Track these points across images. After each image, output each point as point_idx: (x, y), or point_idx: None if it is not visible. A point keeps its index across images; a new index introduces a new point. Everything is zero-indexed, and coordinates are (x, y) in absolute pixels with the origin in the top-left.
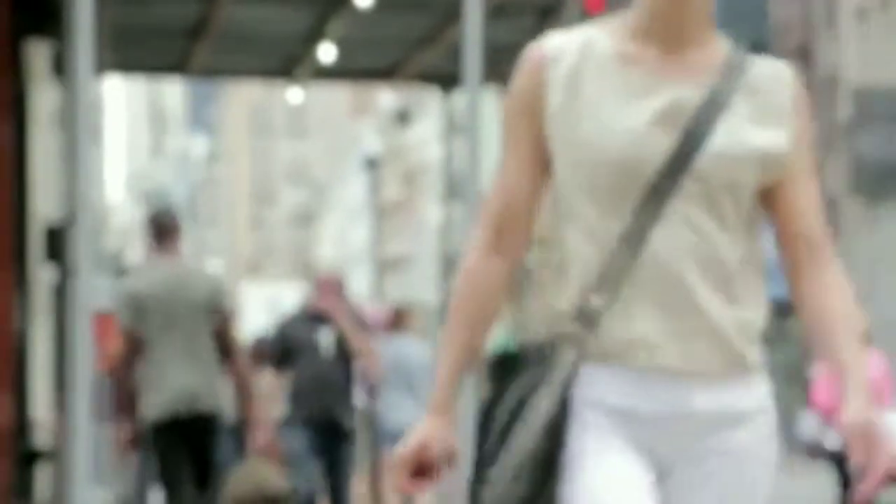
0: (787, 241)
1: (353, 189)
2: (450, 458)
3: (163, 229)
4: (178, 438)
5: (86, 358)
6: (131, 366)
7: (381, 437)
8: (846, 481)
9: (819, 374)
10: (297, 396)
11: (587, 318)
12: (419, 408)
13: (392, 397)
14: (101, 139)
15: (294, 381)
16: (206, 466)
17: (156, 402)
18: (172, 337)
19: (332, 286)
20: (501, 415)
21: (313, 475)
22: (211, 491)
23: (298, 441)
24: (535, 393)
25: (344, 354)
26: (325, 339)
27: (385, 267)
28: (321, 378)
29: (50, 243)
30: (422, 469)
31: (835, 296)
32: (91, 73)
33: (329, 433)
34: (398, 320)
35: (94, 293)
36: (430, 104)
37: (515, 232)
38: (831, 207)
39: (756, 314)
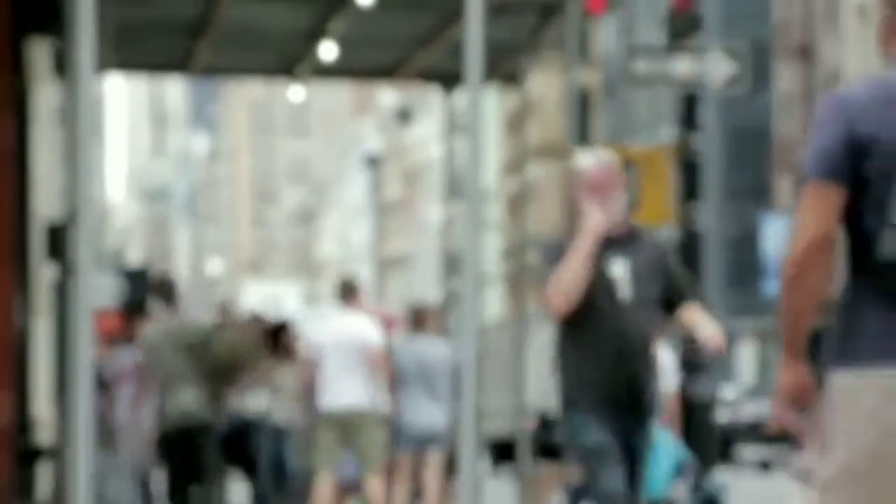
0: None
1: (354, 187)
2: None
3: (167, 294)
4: (174, 448)
5: (86, 356)
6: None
7: (401, 439)
8: None
9: None
10: (588, 363)
11: None
12: (439, 410)
13: (412, 399)
14: (103, 137)
15: (583, 340)
16: (200, 468)
17: (161, 421)
18: (175, 371)
19: (614, 178)
20: None
21: (621, 472)
22: (206, 490)
23: (597, 430)
24: None
25: (647, 295)
26: (620, 273)
27: (386, 265)
28: (623, 334)
29: (51, 241)
30: None
31: None
32: (92, 71)
33: (632, 412)
34: (418, 320)
35: (95, 291)
36: (431, 103)
37: None
38: None
39: None
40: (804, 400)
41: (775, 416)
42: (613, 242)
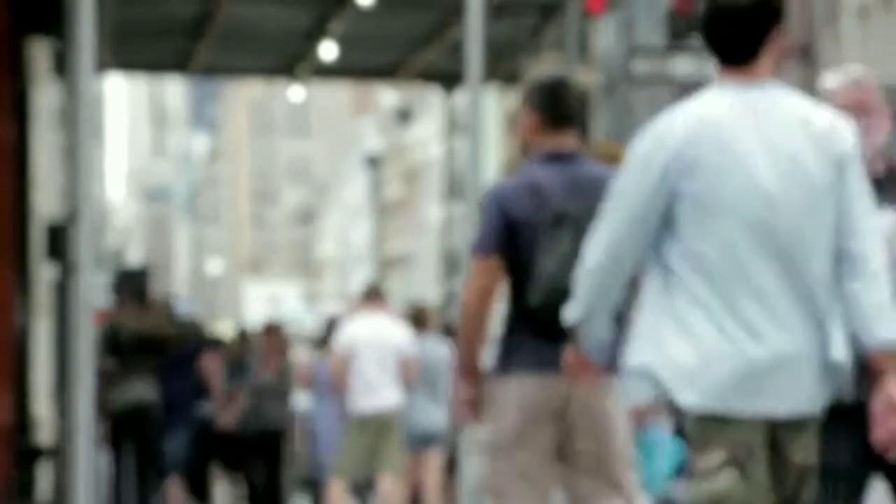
0: None
1: (355, 187)
2: None
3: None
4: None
5: (87, 355)
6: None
7: (408, 439)
8: None
9: None
10: None
11: None
12: (440, 410)
13: (417, 399)
14: (103, 137)
15: None
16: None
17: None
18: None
19: (870, 101)
20: None
21: None
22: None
23: None
24: None
25: None
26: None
27: (386, 265)
28: None
29: (51, 241)
30: None
31: None
32: (92, 71)
33: None
34: (421, 320)
35: (95, 291)
36: (431, 103)
37: None
38: None
39: None
40: (474, 404)
41: (456, 415)
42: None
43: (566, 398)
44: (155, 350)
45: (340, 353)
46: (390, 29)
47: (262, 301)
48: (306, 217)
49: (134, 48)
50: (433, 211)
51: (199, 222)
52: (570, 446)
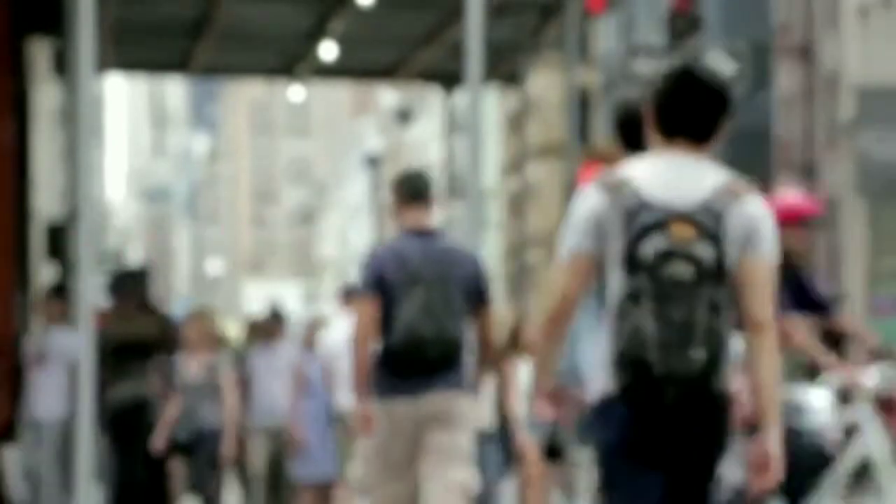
0: None
1: (354, 187)
2: None
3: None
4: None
5: (87, 355)
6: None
7: None
8: None
9: None
10: None
11: None
12: None
13: None
14: (103, 137)
15: None
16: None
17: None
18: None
19: None
20: None
21: None
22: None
23: None
24: None
25: None
26: None
27: None
28: None
29: (51, 241)
30: None
31: None
32: (92, 71)
33: None
34: None
35: (95, 291)
36: (431, 103)
37: None
38: (833, 207)
39: None
40: (369, 421)
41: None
42: None
43: (420, 413)
44: (138, 353)
45: (326, 354)
46: (390, 29)
47: (262, 301)
48: (306, 217)
49: (134, 48)
50: (433, 211)
51: (199, 222)
52: (423, 440)
